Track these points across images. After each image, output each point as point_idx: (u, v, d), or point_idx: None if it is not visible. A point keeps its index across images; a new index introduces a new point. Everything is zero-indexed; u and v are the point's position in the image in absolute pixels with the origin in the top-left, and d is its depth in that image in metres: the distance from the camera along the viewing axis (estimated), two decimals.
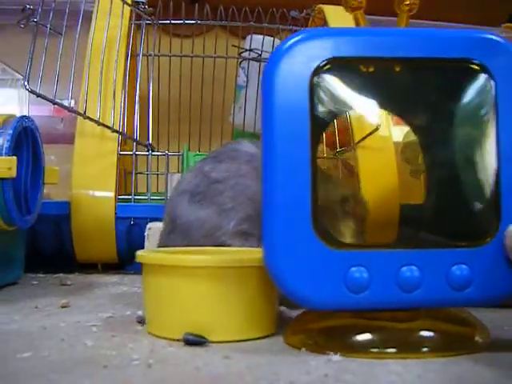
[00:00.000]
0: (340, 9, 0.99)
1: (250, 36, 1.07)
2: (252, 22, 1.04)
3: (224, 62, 1.08)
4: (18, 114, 0.63)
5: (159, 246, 0.58)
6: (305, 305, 0.40)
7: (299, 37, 0.39)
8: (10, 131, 0.58)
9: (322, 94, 0.39)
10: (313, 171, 0.37)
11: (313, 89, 0.38)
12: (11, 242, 0.66)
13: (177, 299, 0.41)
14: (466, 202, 0.41)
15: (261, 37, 1.06)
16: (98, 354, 0.37)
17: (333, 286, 0.37)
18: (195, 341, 0.40)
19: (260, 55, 1.04)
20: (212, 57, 1.09)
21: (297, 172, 0.37)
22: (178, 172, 0.93)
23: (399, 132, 0.43)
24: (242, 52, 1.08)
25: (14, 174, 0.57)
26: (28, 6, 0.78)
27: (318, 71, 0.38)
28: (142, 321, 0.46)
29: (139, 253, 0.45)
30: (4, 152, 0.57)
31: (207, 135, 1.11)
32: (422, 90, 0.41)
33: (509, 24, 1.18)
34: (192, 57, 1.09)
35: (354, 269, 0.37)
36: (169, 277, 0.42)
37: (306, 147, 0.37)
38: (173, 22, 1.02)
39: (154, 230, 0.72)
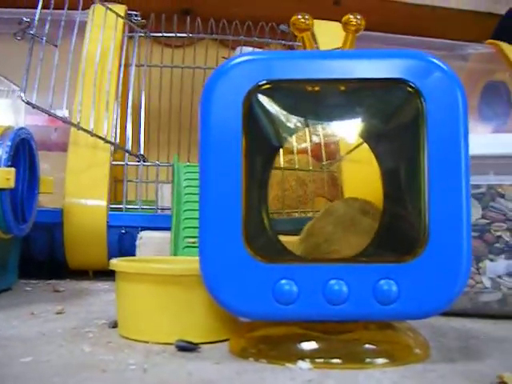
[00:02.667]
0: (328, 24, 1.02)
1: (239, 48, 1.10)
2: (242, 36, 1.07)
3: None
4: (14, 125, 0.65)
5: None
6: (237, 315, 0.42)
7: (235, 60, 0.40)
8: (9, 143, 0.60)
9: (254, 115, 0.41)
10: (245, 187, 0.39)
11: (246, 110, 0.40)
12: (6, 250, 0.68)
13: (145, 305, 0.44)
14: (394, 219, 0.42)
15: (250, 49, 1.08)
16: (96, 359, 0.39)
17: (262, 297, 0.39)
18: (187, 347, 0.42)
19: None
20: (202, 68, 1.11)
21: (229, 188, 0.39)
22: (168, 182, 0.95)
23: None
24: None
25: (12, 184, 0.59)
26: (24, 19, 0.80)
27: (251, 93, 0.40)
28: (115, 325, 0.48)
29: (113, 261, 0.47)
30: (3, 163, 0.59)
31: (197, 145, 1.13)
32: (353, 110, 0.43)
33: (492, 40, 1.21)
34: (182, 68, 1.12)
35: (283, 281, 0.39)
36: (137, 283, 0.45)
37: (238, 165, 0.39)
38: (165, 34, 1.04)
39: (146, 239, 0.74)
